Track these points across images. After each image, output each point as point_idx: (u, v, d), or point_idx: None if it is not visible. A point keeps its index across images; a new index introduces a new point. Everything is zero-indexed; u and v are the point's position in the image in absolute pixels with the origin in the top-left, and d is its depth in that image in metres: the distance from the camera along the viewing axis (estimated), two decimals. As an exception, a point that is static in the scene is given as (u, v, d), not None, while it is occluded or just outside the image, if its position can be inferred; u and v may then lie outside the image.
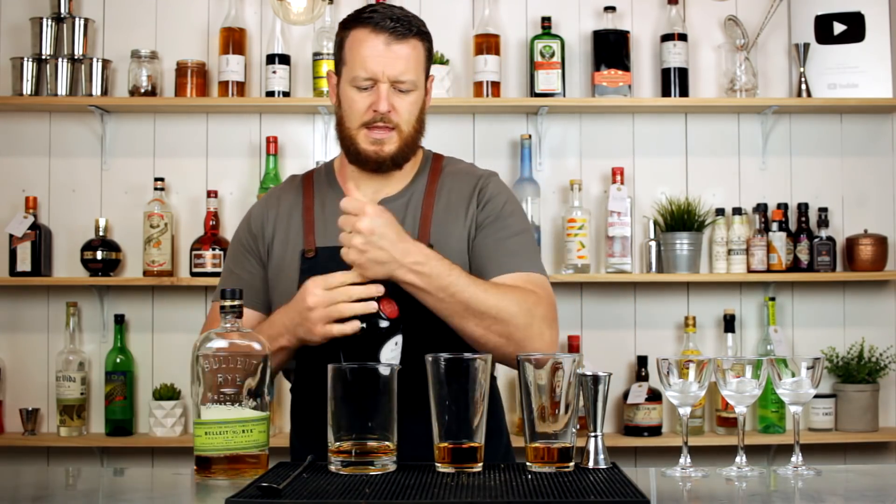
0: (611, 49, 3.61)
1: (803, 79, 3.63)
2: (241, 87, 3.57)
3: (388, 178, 2.06)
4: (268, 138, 3.58)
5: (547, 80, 3.56)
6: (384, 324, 1.80)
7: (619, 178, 3.59)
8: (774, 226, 3.60)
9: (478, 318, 1.83)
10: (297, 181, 2.16)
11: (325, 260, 1.97)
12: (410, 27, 1.98)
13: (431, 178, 2.08)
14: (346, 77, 2.00)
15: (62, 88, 3.54)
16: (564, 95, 3.58)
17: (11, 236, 3.53)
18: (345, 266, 1.86)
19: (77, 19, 3.58)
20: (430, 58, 2.05)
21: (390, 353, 1.80)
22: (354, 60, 1.97)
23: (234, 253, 2.13)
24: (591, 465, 1.66)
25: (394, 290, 1.83)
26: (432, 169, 2.09)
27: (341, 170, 2.12)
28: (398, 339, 1.81)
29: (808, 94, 3.62)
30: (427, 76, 2.05)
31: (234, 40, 3.58)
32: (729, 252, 3.59)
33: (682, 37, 3.62)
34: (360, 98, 1.97)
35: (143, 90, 3.56)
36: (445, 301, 1.82)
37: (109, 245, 3.55)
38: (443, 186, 2.06)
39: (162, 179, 3.58)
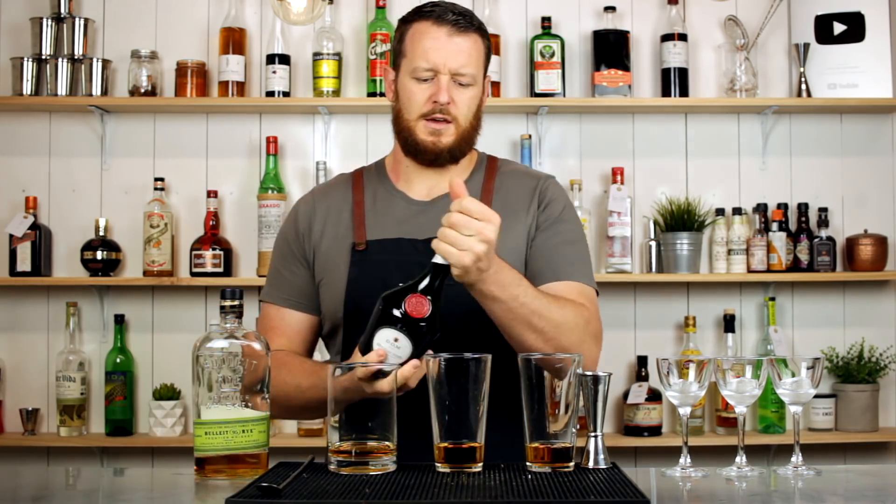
0: (611, 49, 3.60)
1: (803, 79, 3.63)
2: (241, 87, 3.57)
3: (444, 175, 2.03)
4: (268, 138, 3.58)
5: (547, 80, 3.56)
6: (395, 309, 1.67)
7: (619, 178, 3.59)
8: (774, 226, 3.60)
9: (538, 330, 1.81)
10: (346, 177, 2.14)
11: (376, 252, 1.97)
12: (472, 21, 1.99)
13: (488, 176, 2.07)
14: (405, 69, 1.99)
15: (62, 88, 3.54)
16: (564, 95, 3.58)
17: (11, 236, 3.53)
18: (394, 256, 1.89)
19: (77, 19, 3.58)
20: (489, 56, 2.04)
21: (385, 343, 1.66)
22: (415, 52, 1.97)
23: (281, 253, 2.11)
24: (591, 465, 1.66)
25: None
26: (488, 168, 2.09)
27: (394, 166, 2.09)
28: (398, 335, 1.67)
29: (808, 94, 3.62)
30: (485, 74, 2.04)
31: (234, 40, 3.58)
32: (729, 252, 3.59)
33: (682, 37, 3.62)
34: (420, 89, 1.96)
35: (143, 90, 3.56)
36: (514, 311, 1.78)
37: (109, 245, 3.55)
38: (500, 185, 2.05)
39: (162, 179, 3.58)
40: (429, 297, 1.67)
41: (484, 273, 1.71)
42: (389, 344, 1.67)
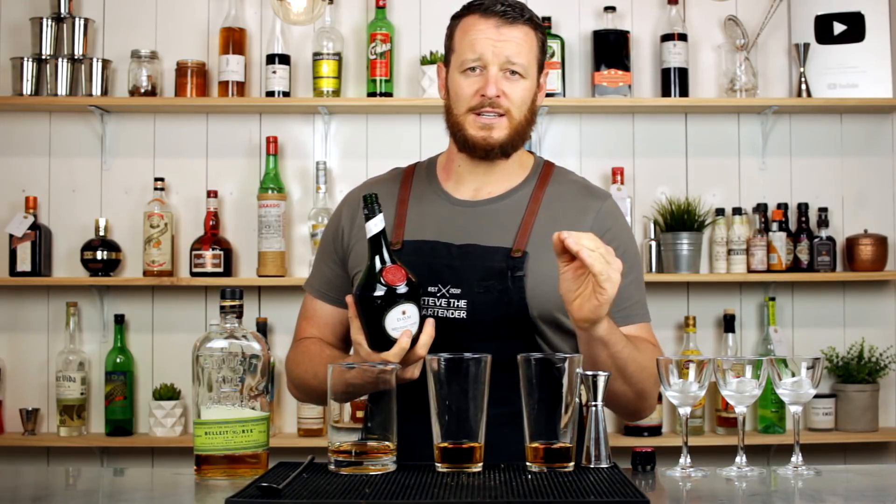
0: (611, 49, 3.61)
1: (803, 79, 3.63)
2: (241, 87, 3.57)
3: (495, 176, 2.00)
4: (268, 138, 3.58)
5: (547, 80, 3.55)
6: (380, 292, 1.74)
7: (619, 178, 3.59)
8: (774, 226, 3.60)
9: (628, 376, 1.82)
10: (398, 173, 2.10)
11: (411, 254, 1.92)
12: (522, 13, 1.94)
13: (539, 184, 2.01)
14: (454, 64, 1.96)
15: (62, 88, 3.54)
16: (564, 95, 3.58)
17: (11, 236, 3.53)
18: (427, 259, 1.89)
19: (77, 19, 3.58)
20: (544, 51, 2.00)
21: (397, 322, 1.74)
22: (463, 45, 1.93)
23: (323, 244, 2.11)
24: (591, 465, 1.66)
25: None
26: (542, 175, 2.03)
27: (446, 164, 2.05)
28: (403, 308, 1.74)
29: (808, 94, 3.62)
30: (541, 69, 1.99)
31: (234, 40, 3.58)
32: (729, 252, 3.59)
33: (682, 37, 3.62)
34: (468, 83, 1.92)
35: (143, 90, 3.56)
36: (614, 357, 1.78)
37: (109, 245, 3.55)
38: (550, 196, 1.99)
39: (162, 179, 3.58)
40: (394, 262, 1.76)
41: (606, 312, 1.71)
42: (402, 321, 1.74)
